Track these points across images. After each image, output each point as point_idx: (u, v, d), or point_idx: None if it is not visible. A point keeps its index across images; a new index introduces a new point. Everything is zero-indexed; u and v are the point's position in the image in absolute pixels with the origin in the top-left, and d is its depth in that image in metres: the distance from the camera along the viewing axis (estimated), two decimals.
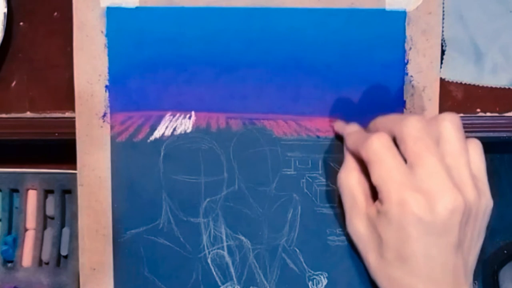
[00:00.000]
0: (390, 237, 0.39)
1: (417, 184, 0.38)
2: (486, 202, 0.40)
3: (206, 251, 0.47)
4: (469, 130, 0.48)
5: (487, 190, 0.40)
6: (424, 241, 0.38)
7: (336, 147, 0.47)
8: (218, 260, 0.47)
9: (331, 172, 0.47)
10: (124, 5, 0.46)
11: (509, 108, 0.49)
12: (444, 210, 0.37)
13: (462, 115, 0.48)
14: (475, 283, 0.51)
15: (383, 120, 0.42)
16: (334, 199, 0.47)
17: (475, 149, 0.41)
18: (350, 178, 0.42)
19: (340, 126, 0.45)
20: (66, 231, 0.52)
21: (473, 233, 0.40)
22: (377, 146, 0.39)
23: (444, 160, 0.38)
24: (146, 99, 0.46)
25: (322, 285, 0.47)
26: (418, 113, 0.47)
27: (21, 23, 0.48)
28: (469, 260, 0.40)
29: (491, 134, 0.48)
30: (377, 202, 0.40)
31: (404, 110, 0.47)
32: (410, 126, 0.39)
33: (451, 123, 0.39)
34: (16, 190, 0.52)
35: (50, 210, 0.52)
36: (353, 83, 0.47)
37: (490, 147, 0.51)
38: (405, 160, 0.39)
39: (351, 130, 0.44)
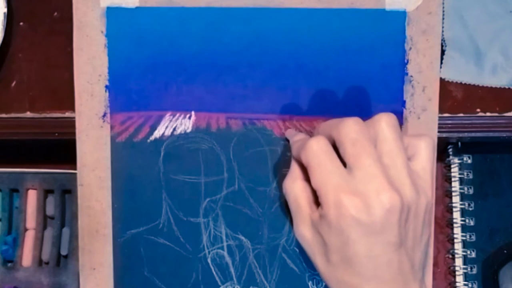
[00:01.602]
0: (332, 240, 0.39)
1: (354, 186, 0.38)
2: (426, 200, 0.40)
3: (206, 251, 0.47)
4: (469, 130, 0.48)
5: (428, 188, 0.41)
6: (365, 242, 0.38)
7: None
8: (218, 260, 0.47)
9: None
10: (124, 5, 0.46)
11: (509, 108, 0.48)
12: (380, 210, 0.37)
13: (462, 115, 0.48)
14: (474, 282, 0.51)
15: (323, 125, 0.42)
16: None
17: (425, 147, 0.41)
18: (294, 186, 0.42)
19: (290, 134, 0.46)
20: (66, 231, 0.52)
21: (416, 230, 0.40)
22: (315, 150, 0.39)
23: (381, 160, 0.39)
24: (146, 99, 0.46)
25: (322, 285, 0.47)
26: (418, 113, 0.47)
27: (21, 23, 0.48)
28: (415, 257, 0.40)
29: (491, 134, 0.48)
30: (319, 207, 0.40)
31: (404, 110, 0.47)
32: (348, 128, 0.39)
33: (386, 123, 0.39)
34: (16, 190, 0.52)
35: (50, 210, 0.52)
36: (353, 83, 0.47)
37: (490, 147, 0.52)
38: (345, 163, 0.39)
39: (297, 138, 0.44)
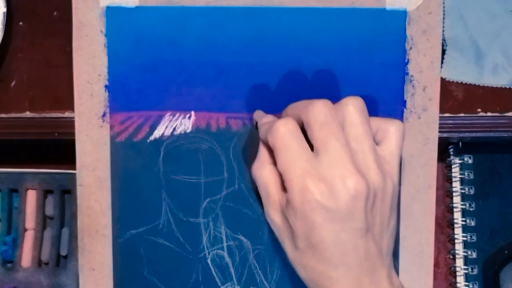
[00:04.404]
0: (298, 226, 0.38)
1: (320, 171, 0.38)
2: (393, 184, 0.40)
3: (206, 252, 0.47)
4: (470, 130, 0.48)
5: (395, 173, 0.40)
6: (330, 227, 0.37)
7: None
8: (218, 260, 0.47)
9: None
10: (123, 4, 0.46)
11: (510, 108, 0.48)
12: (346, 196, 0.37)
13: (462, 115, 0.48)
14: (475, 283, 0.51)
15: (293, 106, 0.42)
16: None
17: (395, 131, 0.40)
18: (262, 170, 0.41)
19: (258, 116, 0.45)
20: (65, 231, 0.51)
21: (383, 215, 0.39)
22: (282, 133, 0.39)
23: (348, 144, 0.38)
24: (145, 99, 0.46)
25: None
26: (419, 113, 0.47)
27: (21, 23, 0.48)
28: (382, 243, 0.40)
29: (491, 134, 0.48)
30: (286, 192, 0.39)
31: (405, 110, 0.47)
32: (316, 111, 0.38)
33: (354, 107, 0.39)
34: (16, 190, 0.52)
35: (50, 210, 0.51)
36: (354, 82, 0.46)
37: (491, 147, 0.52)
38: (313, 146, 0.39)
39: (265, 120, 0.43)
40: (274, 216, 0.41)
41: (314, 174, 0.37)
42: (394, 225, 0.41)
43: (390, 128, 0.40)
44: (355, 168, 0.37)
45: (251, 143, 0.46)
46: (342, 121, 0.39)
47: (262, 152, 0.42)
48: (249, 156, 0.46)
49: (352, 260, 0.38)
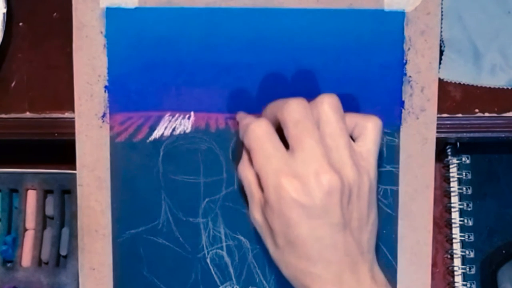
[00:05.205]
0: (276, 223, 0.39)
1: (294, 168, 0.38)
2: (369, 180, 0.40)
3: (205, 251, 0.47)
4: (467, 130, 0.48)
5: (372, 169, 0.41)
6: (307, 224, 0.38)
7: None
8: (217, 260, 0.47)
9: None
10: (123, 5, 0.46)
11: (508, 109, 0.49)
12: (320, 192, 0.37)
13: (460, 115, 0.48)
14: (473, 282, 0.51)
15: (269, 106, 0.42)
16: None
17: (372, 128, 0.41)
18: (245, 170, 0.42)
19: (240, 118, 0.45)
20: (65, 231, 0.52)
21: (361, 211, 0.40)
22: (256, 134, 0.40)
23: (323, 141, 0.39)
24: (145, 99, 0.46)
25: None
26: (417, 114, 0.47)
27: (21, 24, 0.48)
28: (362, 238, 0.40)
29: (489, 135, 0.49)
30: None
31: (403, 110, 0.47)
32: (291, 109, 0.39)
33: (329, 105, 0.40)
34: (16, 190, 0.52)
35: (50, 210, 0.52)
36: (352, 83, 0.47)
37: (489, 148, 0.52)
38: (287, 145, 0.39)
39: (245, 122, 0.43)
40: (256, 215, 0.41)
41: (288, 171, 0.38)
42: (374, 221, 0.41)
43: (367, 125, 0.41)
44: (329, 165, 0.38)
45: None
46: (317, 119, 0.39)
47: (245, 153, 0.42)
48: None
49: (332, 255, 0.39)
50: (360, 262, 0.40)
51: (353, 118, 0.41)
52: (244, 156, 0.42)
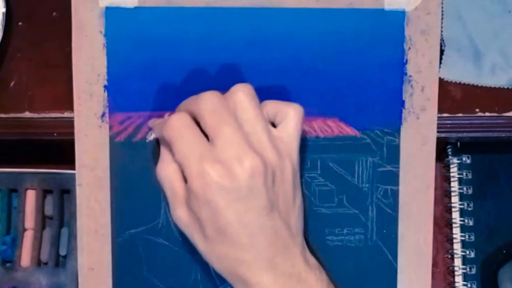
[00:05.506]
0: (203, 212, 0.39)
1: (216, 154, 0.38)
2: (291, 164, 0.41)
3: None
4: (468, 130, 0.48)
5: (294, 153, 0.41)
6: (234, 208, 0.38)
7: (335, 147, 0.47)
8: None
9: (330, 172, 0.47)
10: (123, 5, 0.46)
11: (508, 108, 0.49)
12: (243, 174, 0.38)
13: (461, 115, 0.48)
14: (473, 283, 0.51)
15: (183, 103, 0.43)
16: (333, 199, 0.47)
17: (294, 114, 0.41)
18: (166, 169, 0.42)
19: (153, 121, 0.46)
20: (65, 231, 0.52)
21: (286, 194, 0.40)
22: (176, 125, 0.40)
23: (241, 128, 0.39)
24: (145, 99, 0.46)
25: None
26: (417, 113, 0.47)
27: (20, 23, 0.48)
28: (290, 221, 0.41)
29: (490, 134, 0.49)
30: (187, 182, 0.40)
31: (403, 110, 0.47)
32: (206, 101, 0.40)
33: (243, 93, 0.40)
34: (15, 190, 0.52)
35: (49, 210, 0.51)
36: (352, 83, 0.47)
37: (489, 147, 0.52)
38: (208, 137, 0.40)
39: (159, 121, 0.44)
40: (180, 212, 0.41)
41: (211, 158, 0.38)
42: (300, 205, 0.42)
43: (289, 111, 0.42)
44: (250, 148, 0.38)
45: None
46: (233, 108, 0.40)
47: (164, 152, 0.42)
48: None
49: (262, 240, 0.39)
50: (291, 245, 0.40)
51: (275, 105, 0.42)
52: (164, 155, 0.42)
